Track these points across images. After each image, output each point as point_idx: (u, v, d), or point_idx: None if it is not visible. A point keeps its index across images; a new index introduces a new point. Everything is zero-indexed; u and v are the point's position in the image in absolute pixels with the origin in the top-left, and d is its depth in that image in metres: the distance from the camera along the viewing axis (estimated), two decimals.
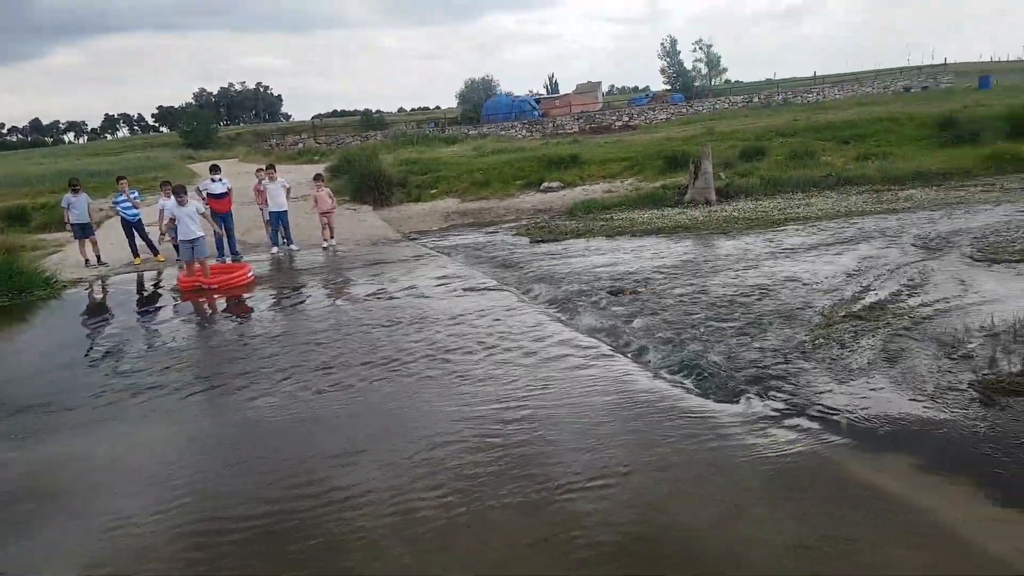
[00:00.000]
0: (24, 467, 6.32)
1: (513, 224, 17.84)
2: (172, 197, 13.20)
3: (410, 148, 36.34)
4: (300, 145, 51.38)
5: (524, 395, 6.83)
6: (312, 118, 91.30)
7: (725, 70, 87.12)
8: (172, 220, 13.08)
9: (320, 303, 11.26)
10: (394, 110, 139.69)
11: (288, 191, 16.38)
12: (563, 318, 9.36)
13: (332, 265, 14.44)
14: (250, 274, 13.21)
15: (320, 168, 26.22)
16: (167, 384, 8.00)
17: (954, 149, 21.62)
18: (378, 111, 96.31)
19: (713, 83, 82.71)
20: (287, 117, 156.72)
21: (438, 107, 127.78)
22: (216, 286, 12.63)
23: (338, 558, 4.53)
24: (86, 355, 9.55)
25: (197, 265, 12.92)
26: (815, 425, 5.79)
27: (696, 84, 79.76)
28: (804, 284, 9.83)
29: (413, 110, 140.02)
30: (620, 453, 5.58)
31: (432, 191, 23.44)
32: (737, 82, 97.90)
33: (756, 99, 54.45)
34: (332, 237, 16.57)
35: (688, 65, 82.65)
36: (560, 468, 5.41)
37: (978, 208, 14.45)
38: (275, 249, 16.20)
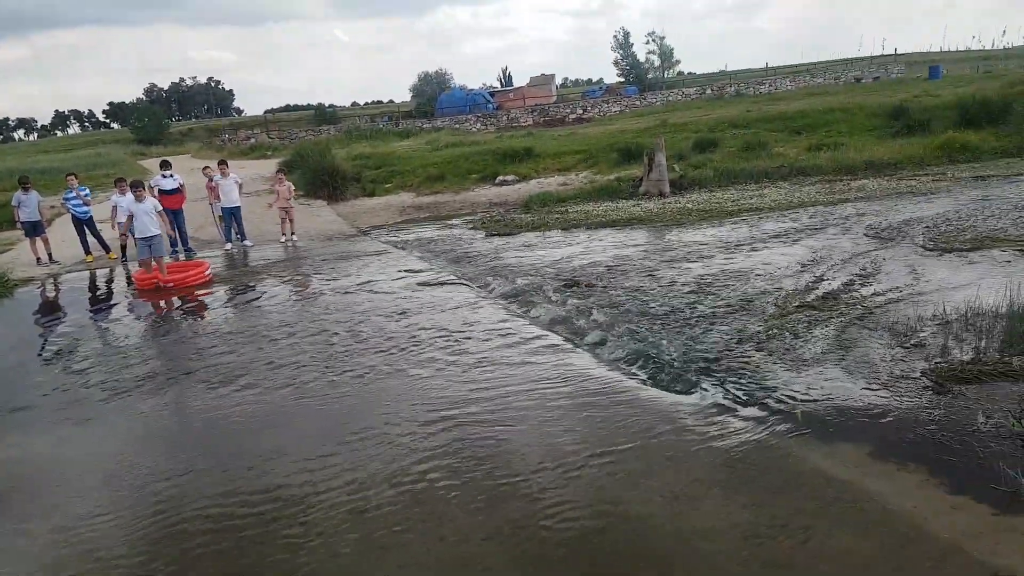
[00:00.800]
0: None
1: (469, 217, 17.76)
2: (129, 193, 12.94)
3: (364, 142, 35.97)
4: (252, 140, 50.67)
5: (479, 389, 6.78)
6: (264, 113, 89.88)
7: (678, 62, 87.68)
8: (131, 218, 12.77)
9: (277, 300, 11.07)
10: (347, 104, 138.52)
11: (240, 186, 16.18)
12: (519, 311, 9.31)
13: (287, 261, 14.25)
14: (207, 272, 12.98)
15: (273, 163, 25.93)
16: (122, 384, 7.82)
17: (905, 139, 21.98)
18: (331, 105, 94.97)
19: (666, 75, 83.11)
20: (239, 112, 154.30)
21: (392, 101, 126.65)
22: (171, 284, 12.39)
23: (295, 557, 4.45)
24: (40, 354, 9.36)
25: (153, 263, 12.65)
26: (769, 414, 5.81)
27: (649, 76, 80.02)
28: (758, 275, 9.90)
29: (367, 104, 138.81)
30: (575, 446, 5.55)
31: (387, 185, 23.30)
32: (690, 74, 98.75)
33: (709, 91, 54.89)
34: (293, 232, 16.42)
35: (641, 57, 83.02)
36: (515, 462, 5.38)
37: (929, 197, 14.70)
38: (228, 245, 15.97)
